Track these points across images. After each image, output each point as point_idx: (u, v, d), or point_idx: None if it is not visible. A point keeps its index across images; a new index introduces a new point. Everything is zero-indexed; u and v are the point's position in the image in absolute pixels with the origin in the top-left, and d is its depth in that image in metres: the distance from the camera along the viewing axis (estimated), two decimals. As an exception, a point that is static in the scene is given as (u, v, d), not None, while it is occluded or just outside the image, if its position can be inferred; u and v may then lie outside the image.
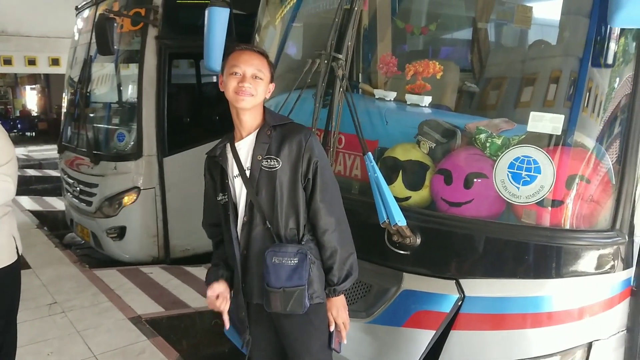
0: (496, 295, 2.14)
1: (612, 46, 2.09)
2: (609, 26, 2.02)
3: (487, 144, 2.21)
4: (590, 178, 2.09)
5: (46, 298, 4.50)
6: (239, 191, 2.02)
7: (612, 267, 2.08)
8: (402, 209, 2.18)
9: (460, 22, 3.16)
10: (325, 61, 2.51)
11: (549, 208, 2.08)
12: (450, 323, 2.20)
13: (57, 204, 8.65)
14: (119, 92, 5.66)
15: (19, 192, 2.70)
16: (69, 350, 3.63)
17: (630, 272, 2.18)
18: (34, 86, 26.77)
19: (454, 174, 2.28)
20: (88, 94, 5.83)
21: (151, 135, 5.25)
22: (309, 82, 2.57)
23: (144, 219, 5.40)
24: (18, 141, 16.97)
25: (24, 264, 4.63)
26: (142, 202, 5.34)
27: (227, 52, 2.00)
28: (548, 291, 2.09)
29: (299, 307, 1.93)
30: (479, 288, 2.17)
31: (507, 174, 2.10)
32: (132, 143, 5.32)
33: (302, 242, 1.99)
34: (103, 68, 5.81)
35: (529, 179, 2.06)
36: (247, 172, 1.98)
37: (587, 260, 2.07)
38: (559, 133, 2.08)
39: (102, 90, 5.89)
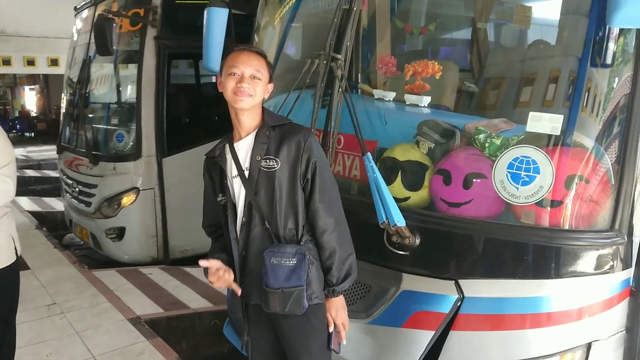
0: (495, 296, 2.14)
1: (611, 46, 2.08)
2: (607, 26, 2.01)
3: (486, 144, 2.21)
4: (589, 178, 2.09)
5: (45, 299, 4.50)
6: (238, 192, 2.01)
7: (611, 267, 2.08)
8: (401, 209, 2.18)
9: (460, 22, 3.16)
10: (325, 61, 2.51)
11: (548, 208, 2.08)
12: (450, 323, 2.20)
13: (56, 204, 8.65)
14: (118, 92, 5.66)
15: (18, 193, 2.70)
16: (68, 351, 3.63)
17: (630, 272, 2.17)
18: (33, 87, 26.76)
19: (453, 175, 2.28)
20: (87, 95, 5.83)
21: (150, 135, 5.25)
22: (308, 83, 2.57)
23: (143, 220, 5.40)
24: (17, 142, 16.95)
25: (23, 264, 4.63)
26: (141, 203, 5.34)
27: (226, 52, 2.00)
28: (547, 291, 2.08)
29: (298, 308, 1.93)
30: (478, 288, 2.16)
31: (506, 174, 2.10)
32: (131, 143, 5.32)
33: (301, 243, 1.99)
34: (102, 68, 5.82)
35: (528, 179, 2.06)
36: (246, 173, 1.98)
37: (586, 261, 2.06)
38: (558, 133, 2.08)
39: (101, 91, 5.89)
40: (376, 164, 2.30)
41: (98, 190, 5.44)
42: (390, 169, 2.47)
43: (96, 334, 3.85)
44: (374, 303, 2.40)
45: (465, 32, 3.07)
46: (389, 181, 2.36)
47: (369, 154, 2.29)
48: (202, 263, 1.97)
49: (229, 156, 2.02)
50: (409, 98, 2.63)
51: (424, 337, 2.24)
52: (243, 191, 2.00)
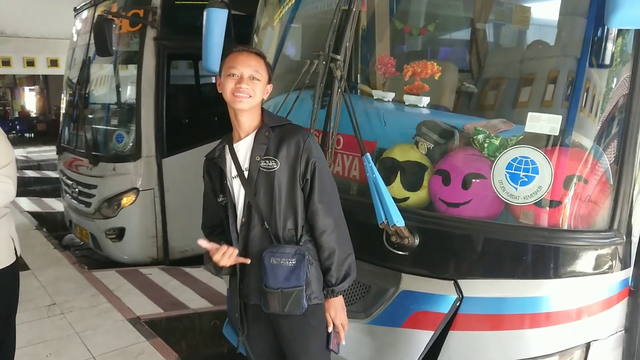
0: (494, 296, 2.14)
1: (610, 46, 2.09)
2: (606, 27, 2.02)
3: (485, 145, 2.21)
4: (587, 178, 2.10)
5: (45, 299, 4.50)
6: (238, 192, 2.02)
7: (610, 267, 2.09)
8: (401, 209, 2.18)
9: (459, 22, 3.16)
10: (324, 62, 2.51)
11: (547, 208, 2.08)
12: (449, 323, 2.20)
13: (56, 205, 8.65)
14: (118, 93, 5.67)
15: (18, 194, 2.70)
16: (68, 351, 3.63)
17: (628, 272, 2.18)
18: (32, 87, 26.76)
19: (452, 175, 2.28)
20: (87, 95, 5.83)
21: (150, 136, 5.26)
22: (308, 83, 2.57)
23: (143, 220, 5.40)
24: (17, 142, 16.96)
25: (22, 265, 4.63)
26: (141, 203, 5.35)
27: (225, 53, 2.00)
28: (546, 291, 2.09)
29: (297, 308, 1.93)
30: (478, 288, 2.17)
31: (505, 175, 2.10)
32: (131, 144, 5.32)
33: (300, 243, 1.99)
34: (102, 69, 5.82)
35: (526, 180, 2.06)
36: (246, 173, 1.99)
37: (585, 261, 2.07)
38: (557, 133, 2.08)
39: (100, 92, 5.89)
40: (375, 165, 2.30)
41: (98, 191, 5.44)
42: (390, 169, 2.47)
43: (96, 335, 3.85)
44: (373, 303, 2.41)
45: (465, 33, 3.07)
46: (388, 181, 2.36)
47: (368, 154, 2.29)
48: (202, 243, 1.96)
49: (228, 157, 2.03)
50: (408, 98, 2.64)
51: (423, 337, 2.24)
52: (242, 192, 2.00)
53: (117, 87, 5.65)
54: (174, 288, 4.79)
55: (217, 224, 2.14)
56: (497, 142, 2.19)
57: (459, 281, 2.19)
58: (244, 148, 2.00)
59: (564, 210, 2.08)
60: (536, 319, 2.09)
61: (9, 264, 2.61)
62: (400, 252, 2.28)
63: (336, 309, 2.05)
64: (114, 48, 4.96)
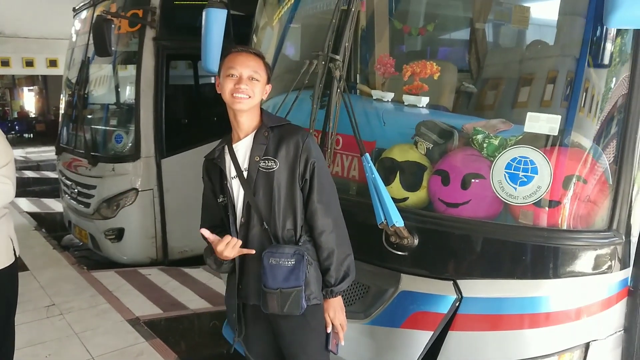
0: (494, 296, 2.14)
1: (609, 47, 2.09)
2: (605, 27, 2.02)
3: (485, 145, 2.21)
4: (587, 178, 2.10)
5: (44, 300, 4.50)
6: (237, 192, 2.02)
7: (609, 267, 2.09)
8: (400, 209, 2.18)
9: (458, 22, 3.16)
10: (323, 62, 2.51)
11: (546, 208, 2.08)
12: (448, 324, 2.20)
13: (55, 205, 8.64)
14: (117, 93, 5.66)
15: (17, 194, 2.69)
16: (67, 352, 3.63)
17: (627, 272, 2.18)
18: (31, 88, 26.75)
19: (451, 175, 2.28)
20: (86, 96, 5.83)
21: (149, 136, 5.25)
22: (307, 83, 2.58)
23: (142, 221, 5.40)
24: (16, 143, 16.92)
25: (21, 265, 4.60)
26: (140, 204, 5.34)
27: (224, 53, 2.00)
28: (545, 292, 2.09)
29: (296, 309, 1.93)
30: (477, 289, 2.17)
31: (504, 175, 2.10)
32: (130, 144, 5.32)
33: (300, 243, 1.99)
34: (101, 69, 5.81)
35: (526, 180, 2.06)
36: (245, 173, 1.99)
37: (585, 261, 2.07)
38: (556, 133, 2.08)
39: (99, 92, 5.89)
40: (374, 165, 2.30)
41: (97, 191, 5.44)
42: (389, 169, 2.47)
43: (95, 335, 3.85)
44: (373, 303, 2.40)
45: (464, 33, 3.07)
46: (387, 182, 2.36)
47: (367, 154, 2.29)
48: (204, 232, 1.96)
49: (227, 157, 2.03)
50: (408, 99, 2.64)
51: (423, 338, 2.24)
52: (242, 192, 2.00)
53: (116, 87, 5.65)
54: (174, 289, 4.79)
55: (217, 224, 2.13)
56: (496, 142, 2.19)
57: (458, 281, 2.19)
58: (243, 148, 2.00)
59: (563, 210, 2.08)
60: (535, 319, 2.09)
61: (8, 265, 2.61)
62: (400, 253, 2.28)
63: (335, 309, 2.05)
64: (113, 48, 4.95)
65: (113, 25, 4.90)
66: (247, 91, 1.90)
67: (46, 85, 24.32)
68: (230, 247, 1.91)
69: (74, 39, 6.33)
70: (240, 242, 1.94)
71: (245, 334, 2.13)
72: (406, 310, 2.29)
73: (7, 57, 14.47)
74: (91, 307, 4.36)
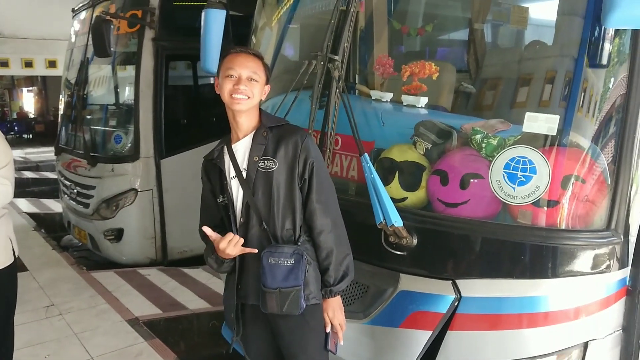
0: (492, 296, 2.15)
1: (607, 47, 2.09)
2: (603, 27, 2.02)
3: (483, 145, 2.21)
4: (585, 178, 2.10)
5: (43, 300, 4.50)
6: (236, 192, 2.02)
7: (608, 266, 2.09)
8: (399, 209, 2.18)
9: (457, 23, 3.17)
10: (322, 62, 2.51)
11: (545, 208, 2.08)
12: (447, 323, 2.20)
13: (54, 206, 8.63)
14: (116, 94, 5.66)
15: (16, 195, 2.70)
16: (67, 352, 3.63)
17: (626, 271, 2.18)
18: (30, 88, 26.72)
19: (450, 175, 2.28)
20: (85, 96, 5.83)
21: (148, 137, 5.25)
22: (306, 84, 2.58)
23: (142, 221, 5.40)
24: (15, 143, 16.89)
25: (21, 266, 4.60)
26: (140, 204, 5.34)
27: (223, 54, 2.00)
28: (544, 291, 2.09)
29: (295, 308, 1.93)
30: (476, 288, 2.17)
31: (503, 175, 2.11)
32: (129, 145, 5.32)
33: (299, 243, 1.99)
34: (100, 70, 5.81)
35: (524, 180, 2.06)
36: (244, 174, 1.99)
37: (583, 260, 2.07)
38: (554, 133, 2.08)
39: (99, 92, 5.89)
40: (373, 165, 2.30)
41: (96, 192, 5.44)
42: (388, 169, 2.47)
43: (94, 335, 3.85)
44: (372, 303, 2.41)
45: (462, 33, 3.08)
46: (386, 182, 2.37)
47: (366, 154, 2.29)
48: (206, 230, 1.96)
49: (226, 157, 2.03)
50: (406, 99, 2.64)
51: (422, 337, 2.24)
52: (241, 192, 2.00)
53: (115, 88, 5.65)
54: (173, 289, 4.79)
55: (216, 225, 2.13)
56: (494, 142, 2.19)
57: (457, 281, 2.20)
58: (242, 148, 2.01)
59: (561, 210, 2.09)
60: (534, 318, 2.10)
61: (7, 265, 2.61)
62: (399, 252, 2.28)
63: (334, 309, 2.06)
64: (112, 49, 4.95)
65: (112, 26, 4.90)
66: (246, 92, 1.90)
67: (45, 86, 24.29)
68: (232, 245, 1.92)
69: (73, 39, 6.33)
70: (242, 240, 1.95)
71: (244, 333, 2.13)
72: (405, 310, 2.29)
73: (6, 58, 14.48)
74: (90, 308, 4.36)
